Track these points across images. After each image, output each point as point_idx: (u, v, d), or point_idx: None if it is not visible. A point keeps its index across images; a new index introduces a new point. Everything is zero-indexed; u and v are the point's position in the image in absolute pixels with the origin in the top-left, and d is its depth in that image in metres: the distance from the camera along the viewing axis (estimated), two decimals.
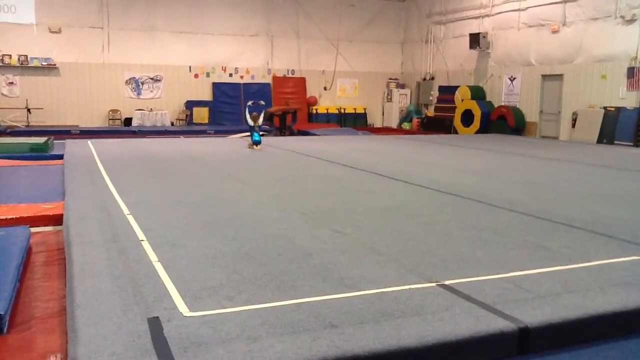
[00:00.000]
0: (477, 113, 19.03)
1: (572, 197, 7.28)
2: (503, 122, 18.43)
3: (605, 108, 15.56)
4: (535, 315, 3.31)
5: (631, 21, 14.97)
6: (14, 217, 6.03)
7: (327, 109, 23.14)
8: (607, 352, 3.28)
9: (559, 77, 17.11)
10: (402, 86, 24.02)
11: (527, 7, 18.02)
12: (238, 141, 13.66)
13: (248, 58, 21.99)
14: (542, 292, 3.69)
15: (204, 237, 5.00)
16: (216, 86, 21.61)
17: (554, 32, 17.14)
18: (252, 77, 22.16)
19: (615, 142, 15.12)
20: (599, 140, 15.52)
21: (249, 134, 13.24)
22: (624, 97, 15.21)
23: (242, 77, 22.02)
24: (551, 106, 17.55)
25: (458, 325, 3.15)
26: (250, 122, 12.71)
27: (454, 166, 10.23)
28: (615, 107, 15.29)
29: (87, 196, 6.82)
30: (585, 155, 12.50)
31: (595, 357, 3.22)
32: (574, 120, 16.42)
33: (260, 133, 12.98)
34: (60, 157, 11.08)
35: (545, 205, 6.62)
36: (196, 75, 21.38)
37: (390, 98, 23.80)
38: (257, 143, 12.55)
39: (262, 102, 13.86)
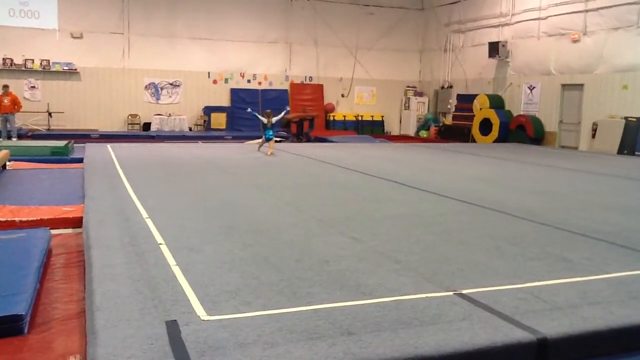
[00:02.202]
0: (496, 122, 18.92)
1: (592, 208, 7.21)
2: (522, 131, 18.30)
3: (626, 118, 15.38)
4: (554, 326, 3.28)
5: None
6: (34, 219, 6.11)
7: (345, 116, 23.15)
8: None
9: (579, 86, 16.96)
10: (420, 94, 23.97)
11: (548, 16, 17.91)
12: (254, 147, 13.73)
13: (266, 65, 22.11)
14: (561, 303, 3.66)
15: (221, 242, 5.02)
16: (234, 92, 21.74)
17: (574, 41, 17.01)
18: (270, 83, 22.26)
19: (636, 153, 14.92)
20: (620, 151, 15.34)
21: (258, 140, 13.40)
22: None
23: (260, 83, 22.14)
24: (571, 116, 17.40)
25: (476, 335, 3.13)
26: (264, 120, 12.80)
27: (471, 175, 10.17)
28: (636, 118, 15.11)
29: (107, 200, 6.90)
30: (606, 166, 12.36)
31: None
32: (594, 131, 16.25)
33: (276, 139, 13.10)
34: (80, 160, 11.22)
35: (564, 215, 6.56)
36: (215, 81, 21.54)
37: (408, 106, 23.77)
38: (269, 140, 12.68)
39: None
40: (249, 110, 14.02)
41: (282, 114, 13.47)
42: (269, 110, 13.04)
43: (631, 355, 3.34)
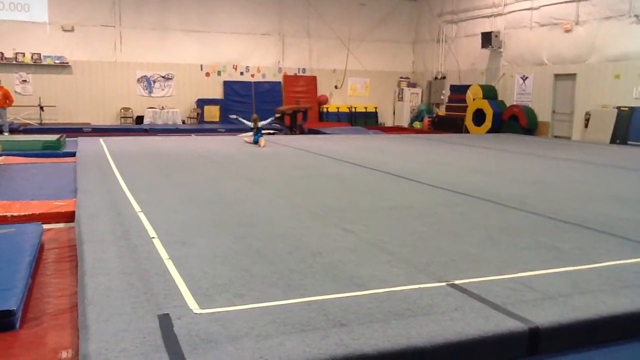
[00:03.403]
0: (489, 112, 18.94)
1: (585, 197, 7.23)
2: (515, 121, 18.33)
3: (618, 108, 15.42)
4: (545, 315, 3.30)
5: None
6: (26, 214, 6.08)
7: (338, 108, 23.13)
8: (618, 353, 3.26)
9: (572, 76, 16.99)
10: (414, 85, 23.96)
11: (540, 6, 17.91)
12: (248, 139, 13.73)
13: (259, 57, 22.04)
14: (552, 292, 3.67)
15: (214, 235, 5.01)
16: (227, 85, 21.67)
17: (567, 31, 17.02)
18: (263, 75, 22.20)
19: (629, 142, 14.98)
20: (612, 141, 15.39)
21: (250, 133, 13.77)
22: (637, 97, 15.08)
23: (253, 75, 22.07)
24: (564, 106, 17.43)
25: (468, 325, 3.14)
26: (250, 124, 13.41)
27: (465, 166, 10.19)
28: (628, 107, 15.15)
29: (99, 194, 6.87)
30: (598, 155, 12.40)
31: (605, 359, 3.20)
32: (587, 120, 16.29)
33: (265, 131, 13.60)
34: (73, 154, 11.17)
35: (557, 205, 6.58)
36: (207, 74, 21.45)
37: (402, 97, 23.76)
38: (256, 142, 13.10)
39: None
40: (234, 116, 14.37)
41: (268, 120, 14.30)
42: (255, 115, 13.56)
43: (623, 344, 3.36)
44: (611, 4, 15.65)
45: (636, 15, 15.01)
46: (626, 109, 15.20)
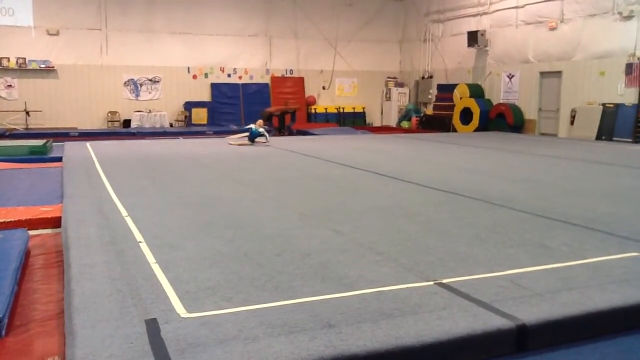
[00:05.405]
0: (476, 111, 19.02)
1: (571, 194, 7.28)
2: (502, 119, 18.43)
3: (603, 105, 15.55)
4: (533, 312, 3.31)
5: (629, 17, 14.96)
6: (12, 219, 6.01)
7: (326, 109, 23.13)
8: (606, 349, 3.28)
9: (558, 74, 17.10)
10: (401, 85, 24.01)
11: (525, 5, 18.02)
12: (238, 141, 13.70)
13: (246, 58, 21.99)
14: (540, 289, 3.69)
15: (202, 238, 4.99)
16: (215, 87, 21.60)
17: (552, 29, 17.13)
18: (251, 77, 22.15)
19: (614, 138, 15.11)
20: (598, 137, 15.52)
21: (247, 134, 13.80)
22: (622, 94, 15.21)
23: (240, 77, 22.02)
24: (550, 103, 17.54)
25: (456, 323, 3.15)
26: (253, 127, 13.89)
27: (452, 164, 10.22)
28: (613, 104, 15.29)
29: (86, 198, 6.82)
30: (584, 152, 12.49)
31: (593, 355, 3.21)
32: (573, 117, 16.42)
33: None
34: (59, 159, 11.08)
35: (544, 202, 6.61)
36: (194, 76, 21.38)
37: (389, 97, 23.81)
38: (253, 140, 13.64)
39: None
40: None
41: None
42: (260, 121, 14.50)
43: (611, 339, 3.38)
44: (595, 2, 15.77)
45: (620, 13, 15.14)
46: (611, 105, 15.33)
